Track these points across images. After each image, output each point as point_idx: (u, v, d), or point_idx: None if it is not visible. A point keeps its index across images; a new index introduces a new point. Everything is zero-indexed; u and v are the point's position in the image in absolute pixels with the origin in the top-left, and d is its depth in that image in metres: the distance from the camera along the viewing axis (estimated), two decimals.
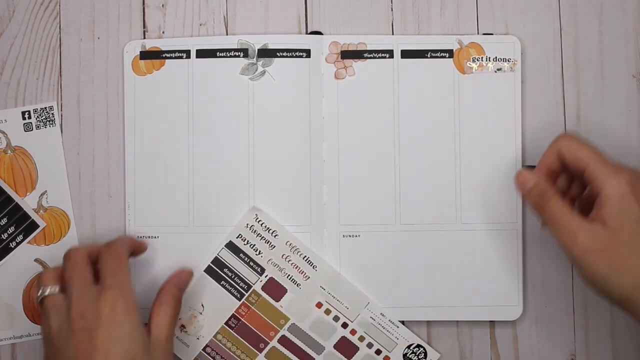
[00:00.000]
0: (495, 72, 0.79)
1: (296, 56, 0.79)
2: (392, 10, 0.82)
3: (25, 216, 0.79)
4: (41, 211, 0.80)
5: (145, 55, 0.80)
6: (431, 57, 0.80)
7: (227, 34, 0.81)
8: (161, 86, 0.80)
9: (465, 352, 0.80)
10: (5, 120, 0.80)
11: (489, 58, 0.80)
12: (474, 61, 0.80)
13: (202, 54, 0.80)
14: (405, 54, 0.80)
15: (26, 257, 0.79)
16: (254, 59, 0.79)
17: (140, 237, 0.79)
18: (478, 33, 0.81)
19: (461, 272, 0.79)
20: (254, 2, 0.82)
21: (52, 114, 0.80)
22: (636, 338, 0.80)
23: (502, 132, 0.79)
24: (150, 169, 0.79)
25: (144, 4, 0.82)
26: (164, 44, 0.80)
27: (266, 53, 0.79)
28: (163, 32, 0.81)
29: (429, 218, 0.79)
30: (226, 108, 0.79)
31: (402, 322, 0.79)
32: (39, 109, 0.80)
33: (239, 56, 0.79)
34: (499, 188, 0.79)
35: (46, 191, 0.80)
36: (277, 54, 0.79)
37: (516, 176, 0.73)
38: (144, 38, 0.81)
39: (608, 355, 0.80)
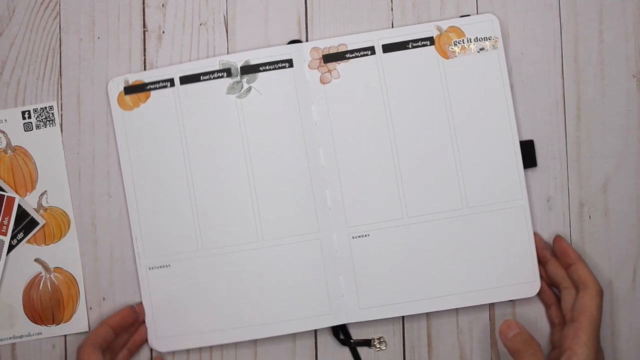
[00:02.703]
0: (479, 52, 0.79)
1: (279, 67, 0.79)
2: (392, 10, 0.82)
3: (25, 214, 0.79)
4: (41, 211, 0.80)
5: (130, 89, 0.79)
6: (412, 47, 0.80)
7: (227, 34, 0.81)
8: (151, 118, 0.79)
9: (465, 352, 0.80)
10: (5, 120, 0.80)
11: (470, 39, 0.80)
12: (455, 45, 0.80)
13: (186, 79, 0.79)
14: (387, 48, 0.80)
15: (26, 257, 0.80)
16: (238, 77, 0.79)
17: (152, 268, 0.79)
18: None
19: (474, 256, 0.78)
20: (254, 2, 0.82)
21: (52, 113, 0.80)
22: (636, 338, 0.80)
23: (494, 109, 0.79)
24: (152, 201, 0.79)
25: (144, 4, 0.82)
26: (147, 76, 0.79)
27: (249, 69, 0.79)
28: (163, 32, 0.81)
29: (435, 207, 0.79)
30: (218, 129, 0.79)
31: (427, 315, 0.80)
32: (39, 109, 0.80)
33: (222, 77, 0.79)
34: (500, 166, 0.79)
35: (46, 191, 0.80)
36: (260, 68, 0.79)
37: (501, 324, 0.74)
38: (144, 38, 0.81)
39: (608, 355, 0.80)
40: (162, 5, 0.82)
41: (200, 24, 0.81)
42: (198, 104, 0.79)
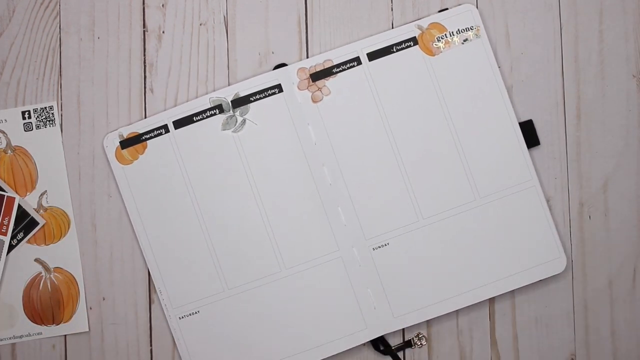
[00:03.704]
0: (463, 43, 0.79)
1: (269, 94, 0.79)
2: (392, 10, 0.82)
3: (25, 214, 0.79)
4: (41, 211, 0.80)
5: (126, 143, 0.79)
6: (397, 50, 0.80)
7: (227, 34, 0.81)
8: (152, 168, 0.79)
9: (465, 352, 0.80)
10: (5, 120, 0.80)
11: (452, 32, 0.80)
12: (439, 40, 0.80)
13: (179, 123, 0.79)
14: (372, 55, 0.79)
15: (26, 257, 0.80)
16: (230, 111, 0.79)
17: (182, 317, 0.78)
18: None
19: (496, 244, 0.79)
20: (254, 2, 0.82)
21: (52, 114, 0.80)
22: (636, 338, 0.80)
23: (488, 96, 0.79)
24: (169, 252, 0.79)
25: (144, 4, 0.82)
26: (140, 127, 0.79)
27: (240, 102, 0.79)
28: (163, 32, 0.81)
29: (448, 203, 0.79)
30: (220, 167, 0.79)
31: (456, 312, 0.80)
32: (39, 109, 0.80)
33: (215, 114, 0.79)
34: (504, 150, 0.79)
35: (46, 191, 0.80)
36: (251, 99, 0.79)
37: None
38: (144, 38, 0.81)
39: (608, 355, 0.80)
40: (162, 5, 0.82)
41: (200, 24, 0.81)
42: (196, 146, 0.79)
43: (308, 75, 0.80)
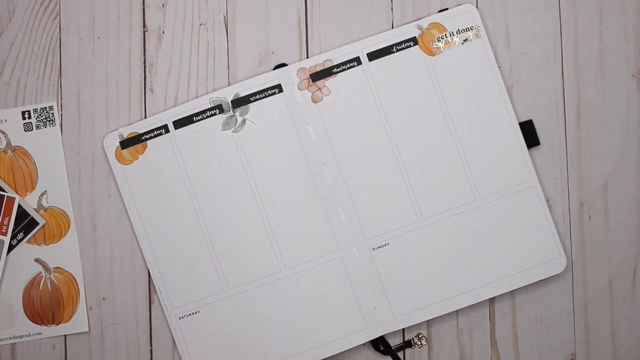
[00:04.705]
0: (463, 43, 0.79)
1: (269, 95, 0.79)
2: (392, 10, 0.82)
3: (25, 214, 0.79)
4: (41, 211, 0.80)
5: (126, 143, 0.79)
6: (397, 50, 0.80)
7: (227, 34, 0.81)
8: (152, 168, 0.79)
9: (465, 352, 0.80)
10: (5, 120, 0.80)
11: (452, 32, 0.80)
12: (439, 40, 0.80)
13: (180, 123, 0.79)
14: (372, 55, 0.80)
15: (26, 257, 0.80)
16: (230, 111, 0.79)
17: (182, 317, 0.78)
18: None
19: (496, 244, 0.79)
20: (254, 2, 0.82)
21: (52, 114, 0.80)
22: (636, 338, 0.80)
23: (488, 96, 0.79)
24: (169, 252, 0.79)
25: (144, 4, 0.82)
26: (140, 127, 0.79)
27: (240, 102, 0.79)
28: (163, 32, 0.81)
29: (448, 204, 0.79)
30: (220, 167, 0.79)
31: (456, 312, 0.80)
32: (39, 109, 0.80)
33: (215, 114, 0.79)
34: (504, 150, 0.79)
35: (46, 191, 0.80)
36: (251, 99, 0.79)
37: None
38: (144, 38, 0.81)
39: (608, 355, 0.80)
40: (162, 5, 0.82)
41: (200, 24, 0.81)
42: (196, 146, 0.79)
43: (308, 75, 0.80)
